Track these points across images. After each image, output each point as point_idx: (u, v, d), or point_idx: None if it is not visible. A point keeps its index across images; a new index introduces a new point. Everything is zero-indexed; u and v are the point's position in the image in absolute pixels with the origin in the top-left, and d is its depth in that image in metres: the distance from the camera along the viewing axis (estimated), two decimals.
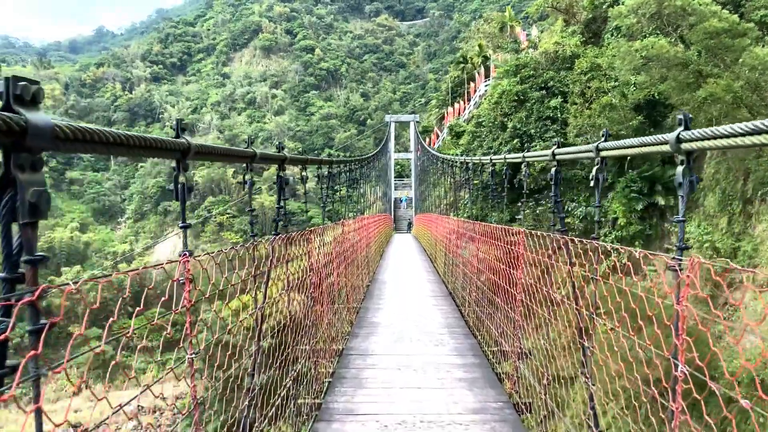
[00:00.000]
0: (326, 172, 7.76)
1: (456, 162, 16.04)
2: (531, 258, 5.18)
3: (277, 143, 5.19)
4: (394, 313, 9.94)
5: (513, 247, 5.80)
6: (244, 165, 3.83)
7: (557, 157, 4.56)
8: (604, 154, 3.60)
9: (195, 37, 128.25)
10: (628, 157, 18.84)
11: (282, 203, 4.23)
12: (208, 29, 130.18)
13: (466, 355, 7.09)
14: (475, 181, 17.48)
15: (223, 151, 3.21)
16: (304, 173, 6.30)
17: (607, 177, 18.47)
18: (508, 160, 7.00)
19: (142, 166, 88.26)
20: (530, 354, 5.43)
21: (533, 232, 5.15)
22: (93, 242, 69.83)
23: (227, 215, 70.47)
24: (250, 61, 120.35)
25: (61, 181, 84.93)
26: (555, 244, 4.49)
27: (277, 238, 4.12)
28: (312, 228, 5.45)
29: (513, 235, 5.80)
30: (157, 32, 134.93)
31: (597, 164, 3.63)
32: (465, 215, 21.53)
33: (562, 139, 21.17)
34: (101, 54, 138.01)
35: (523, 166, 5.70)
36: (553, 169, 4.54)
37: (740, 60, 14.14)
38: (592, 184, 3.61)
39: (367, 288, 12.43)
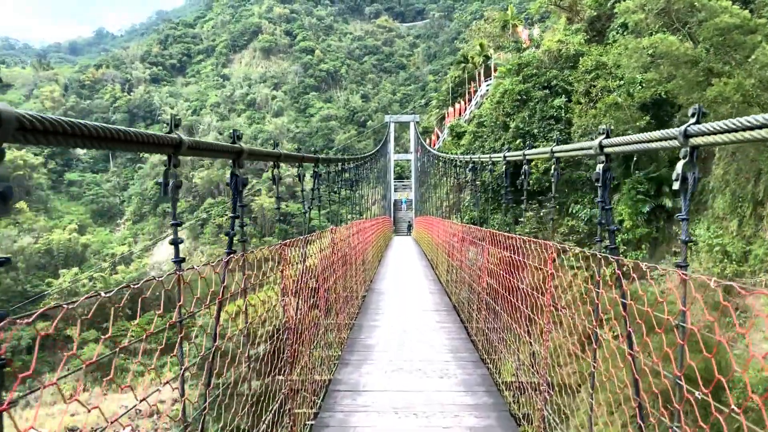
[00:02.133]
0: (313, 171, 6.78)
1: (459, 161, 15.32)
2: (562, 280, 4.17)
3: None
4: (392, 332, 8.87)
5: (538, 264, 4.72)
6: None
7: (606, 149, 3.39)
8: (697, 141, 2.46)
9: (195, 39, 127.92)
10: (635, 158, 18.38)
11: (238, 212, 3.29)
12: (208, 30, 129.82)
13: (476, 392, 6.05)
14: (478, 182, 16.99)
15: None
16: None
17: (614, 177, 18.03)
18: (527, 157, 5.78)
19: (141, 168, 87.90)
20: (558, 393, 4.48)
21: (567, 247, 4.17)
22: (91, 244, 69.31)
23: (226, 216, 69.94)
24: (249, 63, 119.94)
25: (59, 183, 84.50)
26: (597, 264, 3.44)
27: (232, 258, 3.14)
28: (288, 240, 4.51)
29: (539, 249, 4.68)
30: (157, 33, 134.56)
31: (685, 158, 2.51)
32: (467, 218, 21.02)
33: (566, 139, 20.81)
34: (101, 55, 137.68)
35: (552, 162, 4.57)
36: (600, 166, 3.44)
37: (752, 57, 13.63)
38: (676, 186, 2.51)
39: (363, 299, 11.52)
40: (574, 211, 19.19)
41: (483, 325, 7.48)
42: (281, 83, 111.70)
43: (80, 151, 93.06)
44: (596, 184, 3.50)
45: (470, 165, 10.81)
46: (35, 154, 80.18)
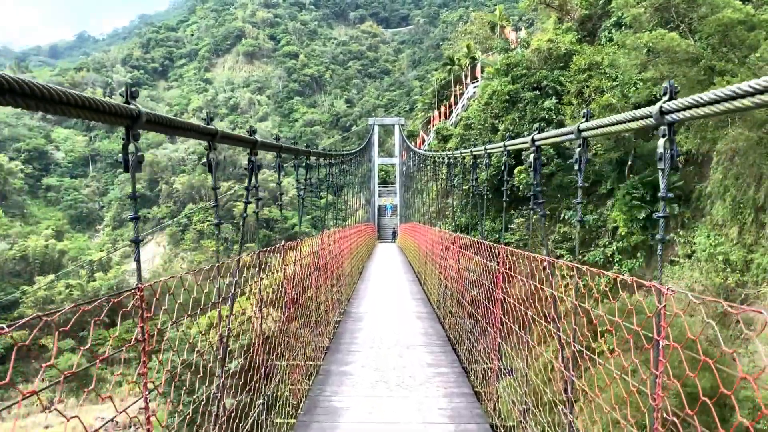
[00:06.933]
0: (248, 160, 5.22)
1: (453, 158, 14.09)
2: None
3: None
4: (370, 386, 6.59)
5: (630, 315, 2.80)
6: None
7: (583, 133, 2.35)
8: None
9: (177, 42, 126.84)
10: (629, 162, 17.63)
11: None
12: (191, 34, 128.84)
13: None
14: (465, 187, 16.06)
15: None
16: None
17: (606, 183, 16.93)
18: (584, 134, 3.42)
19: (120, 172, 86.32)
20: None
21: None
22: (69, 250, 67.56)
23: (207, 222, 68.72)
24: (233, 67, 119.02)
25: (37, 188, 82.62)
26: None
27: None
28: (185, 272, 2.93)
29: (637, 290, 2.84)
30: (139, 37, 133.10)
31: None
32: (455, 224, 20.13)
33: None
34: (81, 59, 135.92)
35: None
36: None
37: (756, 55, 12.91)
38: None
39: (336, 328, 9.72)
40: (566, 217, 18.36)
41: (491, 366, 5.81)
42: (265, 88, 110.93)
43: (59, 155, 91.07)
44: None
45: (473, 161, 9.46)
46: (12, 159, 78.39)
